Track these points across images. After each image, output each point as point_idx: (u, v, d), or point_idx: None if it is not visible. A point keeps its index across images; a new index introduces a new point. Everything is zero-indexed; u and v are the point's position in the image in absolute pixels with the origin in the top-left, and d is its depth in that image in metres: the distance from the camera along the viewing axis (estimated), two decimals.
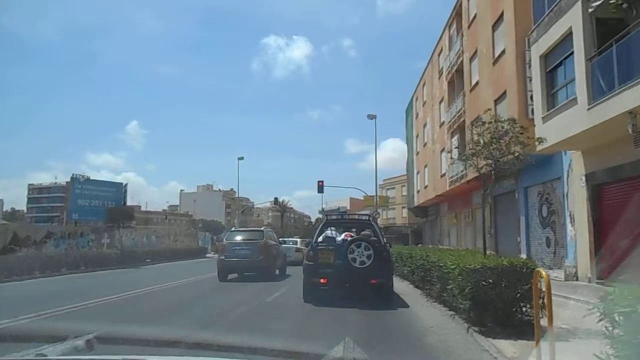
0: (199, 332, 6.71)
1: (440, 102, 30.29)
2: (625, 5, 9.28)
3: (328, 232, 12.38)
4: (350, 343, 5.91)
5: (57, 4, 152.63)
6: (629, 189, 11.90)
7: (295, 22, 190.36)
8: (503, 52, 18.36)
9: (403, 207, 58.39)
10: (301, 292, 10.93)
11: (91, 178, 38.26)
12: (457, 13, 26.55)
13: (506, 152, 7.88)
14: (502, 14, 18.52)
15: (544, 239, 17.17)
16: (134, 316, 9.16)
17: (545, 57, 13.78)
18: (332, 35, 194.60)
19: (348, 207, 76.70)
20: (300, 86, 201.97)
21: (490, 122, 8.18)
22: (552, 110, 13.21)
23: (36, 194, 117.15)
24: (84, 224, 31.22)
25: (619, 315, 3.16)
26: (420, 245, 31.50)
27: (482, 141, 7.92)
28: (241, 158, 50.87)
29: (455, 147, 23.90)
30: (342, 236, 12.20)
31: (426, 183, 35.19)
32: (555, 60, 13.28)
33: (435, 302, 9.94)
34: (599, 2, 10.76)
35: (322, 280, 10.66)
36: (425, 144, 36.04)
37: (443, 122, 29.25)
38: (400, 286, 13.66)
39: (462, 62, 24.80)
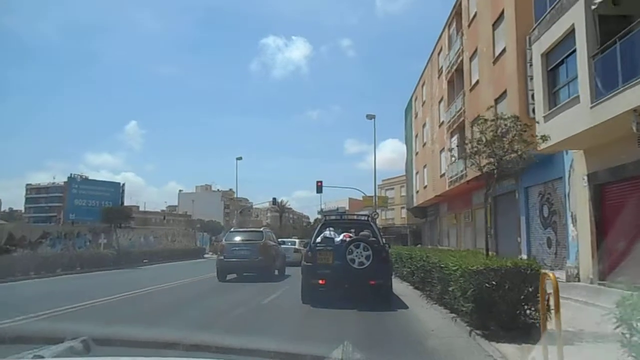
0: (196, 333, 6.63)
1: (440, 101, 30.13)
2: None
3: (327, 233, 12.27)
4: (349, 347, 5.71)
5: (57, 4, 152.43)
6: (632, 188, 11.73)
7: (294, 23, 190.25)
8: (504, 50, 18.19)
9: (402, 208, 58.21)
10: (299, 293, 10.83)
11: (90, 178, 38.15)
12: (456, 12, 26.39)
13: (509, 151, 7.68)
14: (502, 12, 18.35)
15: (544, 240, 17.00)
16: (131, 317, 9.07)
17: (546, 56, 13.60)
18: (331, 36, 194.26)
19: (347, 208, 76.50)
20: (300, 86, 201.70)
21: (493, 120, 7.99)
22: (554, 109, 13.03)
23: (34, 194, 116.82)
24: (81, 224, 30.99)
25: (637, 322, 2.95)
26: (419, 245, 31.37)
27: (484, 139, 7.72)
28: (239, 158, 50.70)
29: (456, 146, 23.73)
30: (341, 237, 12.11)
31: (425, 183, 35.02)
32: (557, 59, 13.10)
33: (435, 304, 9.75)
34: None
35: (320, 281, 10.55)
36: (424, 144, 35.87)
37: (442, 122, 29.08)
38: (400, 287, 13.50)
39: (462, 61, 24.64)
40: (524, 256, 16.51)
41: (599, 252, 12.84)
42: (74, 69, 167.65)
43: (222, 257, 17.13)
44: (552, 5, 12.83)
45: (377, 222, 27.21)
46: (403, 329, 7.83)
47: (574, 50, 11.83)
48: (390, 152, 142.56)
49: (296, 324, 8.66)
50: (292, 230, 68.30)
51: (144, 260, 28.04)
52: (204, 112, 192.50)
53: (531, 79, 15.49)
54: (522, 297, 6.49)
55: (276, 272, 18.21)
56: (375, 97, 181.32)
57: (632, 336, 3.04)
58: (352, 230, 12.87)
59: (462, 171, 23.52)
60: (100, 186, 34.42)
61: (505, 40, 18.11)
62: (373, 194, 41.93)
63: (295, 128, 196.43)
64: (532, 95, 15.35)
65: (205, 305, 10.98)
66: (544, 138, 8.09)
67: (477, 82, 21.81)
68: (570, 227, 14.68)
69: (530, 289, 6.42)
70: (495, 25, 19.31)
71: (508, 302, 6.41)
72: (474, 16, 22.35)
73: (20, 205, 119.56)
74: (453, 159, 23.37)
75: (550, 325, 5.44)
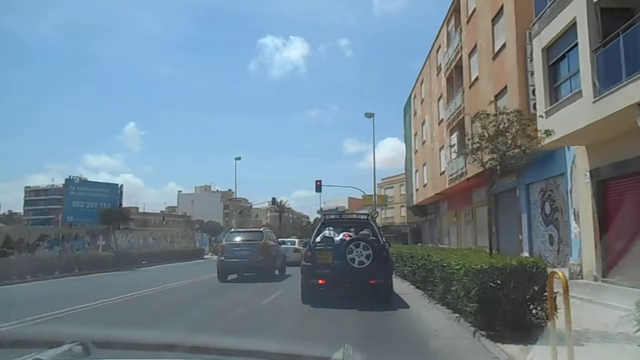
0: (196, 335, 6.59)
1: (439, 99, 29.93)
2: None
3: (326, 232, 12.24)
4: (350, 350, 5.54)
5: (56, 4, 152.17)
6: (636, 184, 11.56)
7: (292, 23, 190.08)
8: (503, 46, 18.00)
9: (402, 206, 58.03)
10: (300, 293, 10.76)
11: (88, 180, 37.95)
12: (455, 9, 26.19)
13: (512, 146, 7.49)
14: (502, 8, 18.16)
15: (546, 237, 16.82)
16: (130, 320, 9.04)
17: (547, 50, 13.41)
18: (328, 35, 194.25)
19: (346, 207, 76.34)
20: (298, 86, 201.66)
21: (495, 115, 7.80)
22: (555, 104, 12.85)
23: (33, 196, 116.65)
24: (79, 226, 30.79)
25: None
26: (419, 244, 31.20)
27: (487, 134, 7.53)
28: (238, 158, 50.60)
29: (457, 143, 23.55)
30: (341, 236, 12.05)
31: (425, 181, 34.83)
32: (558, 53, 12.91)
33: (438, 303, 9.57)
34: None
35: (320, 281, 10.48)
36: (423, 142, 35.68)
37: (442, 120, 28.89)
38: (401, 286, 13.37)
39: (460, 58, 24.44)
40: (526, 254, 16.33)
41: (602, 248, 12.66)
42: (73, 69, 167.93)
43: (222, 258, 17.19)
44: None
45: (377, 221, 27.03)
46: (405, 330, 7.68)
47: (576, 44, 11.65)
48: (390, 151, 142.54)
49: (296, 325, 8.58)
50: (292, 230, 68.13)
51: (143, 262, 27.89)
52: (202, 113, 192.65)
53: (532, 74, 15.31)
54: (528, 296, 6.31)
55: (276, 272, 18.23)
56: (374, 97, 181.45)
57: None
58: (352, 230, 12.80)
59: (462, 169, 23.35)
60: (98, 188, 34.20)
61: (504, 35, 17.92)
62: (372, 193, 41.78)
63: (294, 128, 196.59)
64: (533, 91, 15.18)
65: (205, 306, 10.92)
66: (548, 132, 7.88)
67: (477, 78, 21.61)
68: (573, 224, 14.49)
69: (535, 288, 6.24)
70: (495, 20, 19.11)
71: (513, 302, 6.22)
72: (473, 12, 22.15)
73: (19, 208, 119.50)
74: (454, 154, 23.22)
75: (556, 325, 5.27)
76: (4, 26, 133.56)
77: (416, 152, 39.02)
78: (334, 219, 14.90)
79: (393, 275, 11.85)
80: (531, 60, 15.27)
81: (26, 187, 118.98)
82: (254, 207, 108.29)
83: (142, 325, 8.01)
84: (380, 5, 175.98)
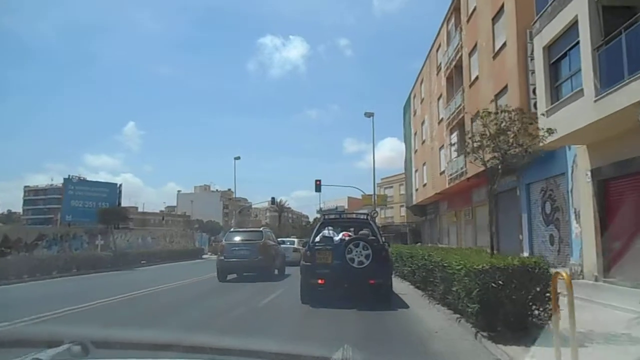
0: (195, 335, 6.55)
1: (439, 98, 29.84)
2: None
3: (325, 232, 12.17)
4: (349, 351, 5.46)
5: (55, 4, 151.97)
6: (637, 184, 11.49)
7: (292, 22, 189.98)
8: (504, 45, 17.90)
9: (401, 206, 57.95)
10: (299, 293, 10.72)
11: (87, 179, 37.82)
12: (455, 8, 26.11)
13: (514, 144, 7.39)
14: (502, 6, 18.07)
15: (547, 237, 16.73)
16: (129, 319, 8.99)
17: (548, 49, 13.34)
18: (328, 35, 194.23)
19: (346, 207, 76.25)
20: (298, 86, 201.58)
21: (497, 112, 7.70)
22: (556, 103, 12.77)
23: (32, 195, 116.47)
24: (77, 226, 30.68)
25: None
26: (419, 244, 31.09)
27: (488, 133, 7.43)
28: (238, 158, 50.38)
29: (455, 143, 23.45)
30: (340, 236, 11.99)
31: (425, 181, 34.75)
32: (560, 52, 12.83)
33: (438, 304, 9.47)
34: None
35: (319, 281, 10.42)
36: (423, 142, 35.59)
37: (442, 119, 28.81)
38: (401, 287, 13.29)
39: (461, 57, 24.36)
40: (526, 254, 16.26)
41: (603, 248, 12.60)
42: (72, 69, 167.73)
43: (222, 257, 17.20)
44: None
45: (377, 220, 26.94)
46: (405, 330, 7.60)
47: (577, 43, 11.58)
48: (389, 151, 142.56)
49: (296, 324, 8.53)
50: (291, 230, 68.05)
51: (142, 262, 27.77)
52: (202, 112, 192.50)
53: (532, 73, 15.24)
54: (530, 297, 6.21)
55: (276, 271, 18.24)
56: (373, 96, 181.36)
57: None
58: (352, 229, 12.76)
59: (462, 168, 23.27)
60: (96, 187, 34.11)
61: (505, 34, 17.83)
62: (372, 193, 41.68)
63: (293, 127, 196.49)
64: (534, 90, 15.11)
65: (204, 305, 10.88)
66: (550, 131, 7.79)
67: (477, 77, 21.53)
68: (574, 223, 14.41)
69: (537, 289, 6.15)
70: (495, 19, 19.03)
71: (515, 303, 6.12)
72: (473, 11, 22.07)
73: (18, 207, 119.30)
74: (455, 153, 23.12)
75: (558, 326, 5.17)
76: (4, 26, 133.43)
77: (416, 151, 38.93)
78: (334, 218, 14.81)
79: (393, 275, 11.80)
80: (532, 59, 15.20)
81: (25, 186, 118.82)
82: (253, 206, 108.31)
83: (141, 325, 7.96)
84: (379, 5, 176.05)
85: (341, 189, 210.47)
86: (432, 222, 38.23)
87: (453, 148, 24.01)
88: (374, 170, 44.26)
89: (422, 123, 35.65)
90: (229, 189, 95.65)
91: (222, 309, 10.06)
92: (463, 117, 23.38)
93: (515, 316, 6.14)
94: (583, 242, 13.72)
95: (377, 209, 44.37)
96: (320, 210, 62.50)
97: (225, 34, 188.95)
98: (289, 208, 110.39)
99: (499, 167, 7.71)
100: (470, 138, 7.89)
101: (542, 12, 13.45)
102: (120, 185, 35.87)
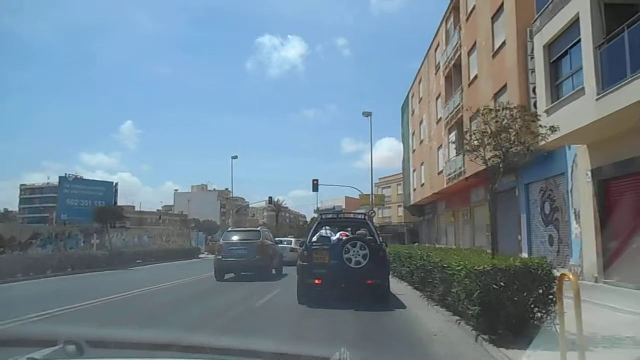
0: (192, 334, 6.49)
1: (438, 98, 29.69)
2: None
3: (323, 232, 12.09)
4: (347, 354, 5.30)
5: (56, 4, 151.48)
6: (639, 184, 11.33)
7: (290, 22, 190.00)
8: (503, 44, 17.74)
9: (399, 206, 57.85)
10: (296, 293, 10.66)
11: (84, 178, 37.51)
12: (454, 7, 25.96)
13: (516, 143, 7.22)
14: (502, 5, 17.91)
15: (546, 238, 16.58)
16: (125, 319, 8.94)
17: (549, 47, 13.17)
18: (326, 35, 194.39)
19: (344, 207, 76.20)
20: (296, 86, 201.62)
21: (498, 110, 7.53)
22: (557, 102, 12.60)
23: (29, 194, 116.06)
24: (73, 225, 30.44)
25: None
26: (417, 244, 30.97)
27: (489, 130, 7.26)
28: (235, 157, 50.18)
29: (453, 142, 23.30)
30: (338, 236, 11.86)
31: (423, 181, 34.60)
32: (561, 50, 12.66)
33: (437, 305, 9.31)
34: None
35: (316, 281, 10.37)
36: (421, 142, 35.44)
37: (440, 119, 28.66)
38: (399, 287, 13.16)
39: (460, 56, 24.21)
40: (525, 255, 16.10)
41: (604, 249, 12.44)
42: (71, 69, 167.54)
43: (220, 257, 17.24)
44: None
45: (374, 220, 26.82)
46: (403, 332, 7.44)
47: (579, 41, 11.40)
48: (387, 151, 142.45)
49: (293, 325, 8.47)
50: (289, 230, 67.93)
51: (138, 261, 27.61)
52: (200, 112, 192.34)
53: (532, 72, 15.08)
54: (532, 299, 6.04)
55: (274, 271, 18.24)
56: (371, 96, 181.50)
57: None
58: (349, 229, 12.66)
59: (460, 168, 23.13)
60: (92, 186, 33.88)
61: (505, 33, 17.67)
62: (370, 193, 41.52)
63: (291, 127, 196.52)
64: (534, 89, 14.94)
65: (201, 305, 10.83)
66: (553, 129, 7.62)
67: (476, 77, 21.37)
68: (574, 224, 14.27)
69: (540, 291, 5.98)
70: (495, 18, 18.87)
71: (517, 305, 5.94)
72: (473, 10, 21.91)
73: (15, 207, 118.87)
74: (454, 152, 22.95)
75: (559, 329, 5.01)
76: (4, 26, 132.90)
77: (414, 151, 38.79)
78: (331, 218, 14.72)
79: (390, 276, 11.72)
80: (532, 58, 15.04)
81: (22, 185, 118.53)
82: (251, 206, 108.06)
83: (137, 325, 7.89)
84: (378, 5, 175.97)
85: (339, 189, 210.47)
86: (430, 223, 38.08)
87: (453, 146, 23.84)
88: (372, 170, 44.23)
89: (421, 123, 35.50)
90: (227, 189, 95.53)
91: (219, 309, 9.99)
92: (462, 116, 23.24)
93: (517, 319, 5.97)
94: (583, 243, 13.57)
95: (375, 209, 44.21)
96: (317, 210, 62.37)
97: (223, 34, 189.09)
98: (287, 208, 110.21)
99: (501, 165, 7.55)
100: (471, 136, 7.71)
101: (542, 10, 13.28)
102: (117, 184, 35.71)
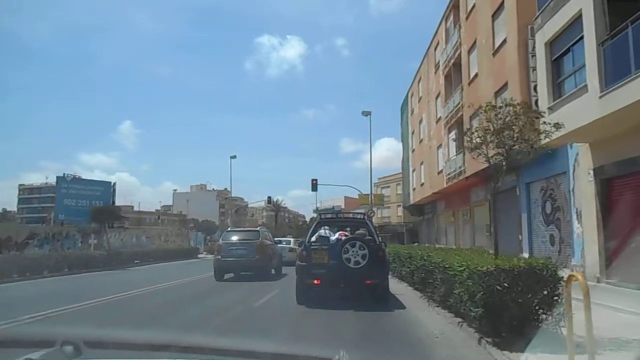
0: (190, 335, 6.41)
1: (437, 97, 29.53)
2: None
3: (322, 232, 12.04)
4: (346, 357, 5.15)
5: (56, 5, 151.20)
6: None
7: (289, 22, 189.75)
8: (504, 41, 17.57)
9: (398, 206, 57.72)
10: (295, 293, 10.62)
11: (82, 177, 37.30)
12: (453, 5, 25.80)
13: (519, 140, 7.06)
14: (502, 2, 17.73)
15: (547, 237, 16.43)
16: (121, 319, 8.85)
17: (550, 44, 13.02)
18: (325, 35, 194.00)
19: (343, 206, 76.03)
20: (295, 85, 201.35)
21: (501, 106, 7.36)
22: (559, 100, 12.45)
23: (27, 194, 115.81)
24: (71, 225, 30.24)
25: None
26: (416, 244, 30.83)
27: (492, 127, 7.10)
28: (234, 157, 50.01)
29: (454, 139, 23.13)
30: (336, 235, 11.82)
31: (422, 180, 34.44)
32: (562, 47, 12.50)
33: (438, 306, 9.15)
34: None
35: (315, 281, 10.31)
36: (421, 141, 35.28)
37: (440, 118, 28.50)
38: (398, 288, 13.04)
39: (459, 54, 24.04)
40: (526, 254, 15.93)
41: (605, 249, 12.29)
42: (70, 69, 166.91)
43: (219, 257, 17.30)
44: None
45: (373, 220, 26.68)
46: (403, 334, 7.28)
47: (581, 38, 11.24)
48: (386, 151, 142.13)
49: (291, 325, 8.39)
50: (288, 229, 67.79)
51: (136, 261, 27.45)
52: (199, 112, 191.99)
53: (534, 70, 14.93)
54: (536, 300, 5.87)
55: (273, 271, 18.25)
56: (371, 97, 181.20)
57: None
58: (348, 229, 12.63)
59: (460, 167, 22.98)
60: (90, 185, 33.66)
61: (505, 30, 17.50)
62: (369, 192, 41.35)
63: (291, 127, 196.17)
64: (535, 87, 14.78)
65: (199, 305, 10.78)
66: (557, 126, 7.46)
67: (476, 75, 21.19)
68: (575, 223, 14.11)
69: (545, 292, 5.81)
70: (495, 15, 18.70)
71: (521, 306, 5.77)
72: (472, 8, 21.74)
73: (13, 206, 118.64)
74: (454, 152, 22.79)
75: (565, 332, 4.86)
76: (4, 26, 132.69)
77: (413, 151, 38.63)
78: (330, 218, 14.66)
79: (390, 276, 11.63)
80: (533, 56, 14.89)
81: (20, 185, 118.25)
82: (249, 206, 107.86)
83: (135, 325, 7.85)
84: (377, 5, 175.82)
85: (338, 189, 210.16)
86: (429, 222, 37.94)
87: (453, 145, 23.68)
88: (371, 169, 43.91)
89: (420, 122, 35.34)
90: (225, 188, 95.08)
91: (218, 309, 9.95)
92: (462, 115, 23.09)
93: (521, 321, 5.79)
94: (585, 243, 13.42)
95: (374, 209, 44.08)
96: (316, 210, 62.25)
97: (222, 34, 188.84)
98: (286, 207, 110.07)
99: (504, 163, 7.38)
100: (473, 133, 7.54)
101: (544, 7, 13.12)
102: (114, 183, 35.49)
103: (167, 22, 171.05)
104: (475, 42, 21.45)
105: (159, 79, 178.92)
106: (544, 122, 7.57)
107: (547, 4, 12.92)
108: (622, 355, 5.30)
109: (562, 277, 5.74)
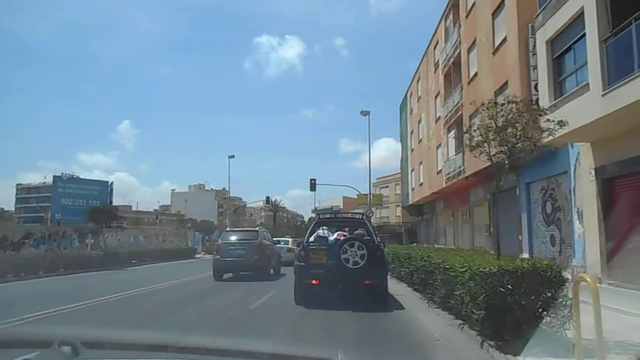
0: (188, 335, 6.39)
1: (436, 96, 29.40)
2: None
3: (320, 232, 11.98)
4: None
5: (56, 5, 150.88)
6: None
7: (288, 22, 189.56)
8: (504, 40, 17.43)
9: (397, 206, 57.59)
10: (293, 293, 10.58)
11: (79, 177, 37.13)
12: (453, 4, 25.66)
13: (522, 138, 6.90)
14: (502, 0, 17.59)
15: (548, 237, 16.29)
16: (119, 320, 8.80)
17: (551, 43, 12.88)
18: (325, 35, 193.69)
19: (341, 206, 75.88)
20: (294, 85, 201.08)
21: (503, 104, 7.21)
22: (560, 99, 12.31)
23: (24, 194, 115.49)
24: (67, 224, 30.03)
25: None
26: (415, 244, 30.68)
27: (494, 125, 6.94)
28: (232, 156, 49.68)
29: (455, 137, 23.00)
30: (335, 236, 11.80)
31: (421, 180, 34.31)
32: (564, 45, 12.36)
33: (438, 308, 9.00)
34: None
35: (313, 282, 10.26)
36: (420, 141, 35.15)
37: (439, 117, 28.36)
38: (397, 288, 12.95)
39: (459, 53, 23.89)
40: (526, 255, 15.81)
41: (607, 249, 12.15)
42: (69, 69, 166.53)
43: (218, 257, 17.32)
44: None
45: (372, 220, 26.53)
46: (403, 336, 7.14)
47: (583, 35, 11.10)
48: (385, 151, 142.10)
49: (289, 326, 8.33)
50: (286, 229, 67.64)
51: (133, 261, 27.26)
52: (197, 112, 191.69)
53: (534, 68, 14.79)
54: (540, 302, 5.71)
55: (272, 271, 18.24)
56: (370, 97, 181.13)
57: None
58: (346, 229, 12.57)
59: (459, 167, 22.85)
60: (87, 185, 33.49)
61: (506, 29, 17.36)
62: (368, 192, 41.20)
63: (290, 127, 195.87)
64: (536, 86, 14.63)
65: (198, 305, 10.75)
66: (562, 123, 7.31)
67: (476, 74, 21.06)
68: (576, 223, 13.97)
69: (549, 294, 5.65)
70: (495, 14, 18.56)
71: (525, 309, 5.61)
72: (472, 6, 21.60)
73: (11, 206, 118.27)
74: (453, 151, 22.64)
75: (571, 334, 4.72)
76: (4, 26, 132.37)
77: (412, 150, 38.50)
78: (328, 218, 14.62)
79: (388, 276, 11.53)
80: (534, 54, 14.76)
81: (17, 184, 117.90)
82: (248, 206, 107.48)
83: (132, 326, 7.82)
84: (376, 5, 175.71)
85: (336, 189, 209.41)
86: (428, 222, 37.80)
87: (452, 145, 23.53)
88: (370, 169, 43.71)
89: (419, 121, 35.20)
90: (224, 188, 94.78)
91: (216, 309, 9.93)
92: (461, 114, 22.96)
93: (525, 323, 5.63)
94: (586, 243, 13.28)
95: (373, 209, 43.94)
96: (315, 210, 62.09)
97: (222, 34, 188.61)
98: (284, 207, 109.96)
99: (506, 162, 7.23)
100: (475, 131, 7.38)
101: (545, 5, 12.99)
102: (112, 183, 35.35)
103: (167, 22, 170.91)
104: (475, 40, 21.32)
105: (159, 79, 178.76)
106: (547, 120, 7.40)
107: (548, 1, 12.79)
108: (627, 358, 5.15)
109: (567, 278, 5.59)
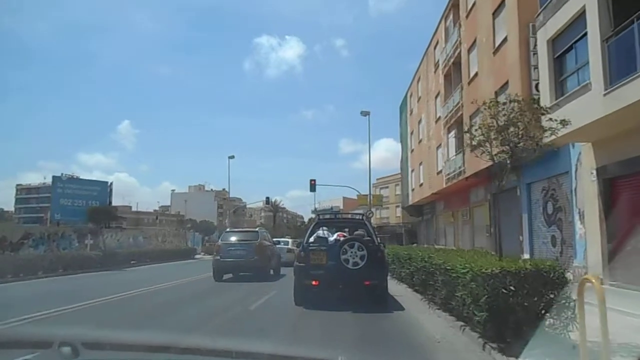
0: (188, 336, 6.37)
1: (436, 96, 29.34)
2: None
3: (320, 232, 11.98)
4: None
5: (54, 4, 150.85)
6: None
7: (288, 22, 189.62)
8: (505, 40, 17.37)
9: (397, 207, 57.50)
10: (293, 294, 10.56)
11: (79, 177, 37.07)
12: (453, 4, 25.60)
13: (524, 137, 6.83)
14: (503, 0, 17.55)
15: (549, 238, 16.21)
16: (119, 321, 8.80)
17: (553, 42, 12.81)
18: (324, 35, 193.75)
19: (341, 207, 75.76)
20: (294, 86, 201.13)
21: (505, 102, 7.14)
22: (561, 98, 12.24)
23: (24, 194, 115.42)
24: (67, 225, 29.98)
25: None
26: (415, 245, 30.61)
27: (496, 124, 6.88)
28: (232, 157, 49.61)
29: (456, 137, 22.92)
30: (335, 236, 11.78)
31: (421, 181, 34.25)
32: (565, 44, 12.30)
33: (439, 309, 8.93)
34: None
35: (313, 282, 10.24)
36: (420, 141, 35.10)
37: (439, 118, 28.30)
38: (397, 289, 12.91)
39: (459, 53, 23.83)
40: (527, 255, 15.76)
41: (609, 250, 12.07)
42: (69, 69, 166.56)
43: (218, 257, 17.35)
44: None
45: (372, 221, 26.45)
46: (403, 337, 7.08)
47: (585, 34, 11.04)
48: (385, 152, 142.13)
49: (289, 326, 8.33)
50: (286, 230, 67.59)
51: (132, 262, 27.21)
52: (198, 112, 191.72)
53: (535, 68, 14.72)
54: (543, 304, 5.63)
55: (271, 271, 18.25)
56: (369, 97, 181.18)
57: None
58: (346, 230, 12.54)
59: (460, 167, 22.78)
60: (86, 185, 33.47)
61: (506, 28, 17.30)
62: (368, 193, 41.13)
63: (290, 128, 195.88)
64: (536, 86, 14.57)
65: (198, 306, 10.74)
66: (564, 122, 7.24)
67: (476, 74, 20.99)
68: (578, 224, 13.90)
69: (552, 295, 5.58)
70: (496, 13, 18.50)
71: (528, 310, 5.53)
72: (473, 6, 21.54)
73: (11, 206, 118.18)
74: (453, 152, 22.57)
75: (575, 335, 4.64)
76: (4, 26, 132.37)
77: (412, 151, 38.43)
78: (328, 219, 14.60)
79: (388, 277, 11.51)
80: (534, 54, 14.69)
81: (17, 184, 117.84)
82: (248, 206, 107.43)
83: (132, 327, 7.83)
84: (376, 5, 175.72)
85: (336, 189, 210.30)
86: (428, 223, 37.73)
87: (453, 145, 23.45)
88: (370, 169, 43.62)
89: (419, 122, 35.14)
90: (224, 189, 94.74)
91: (217, 309, 9.96)
92: (462, 115, 22.89)
93: (527, 325, 5.55)
94: (587, 244, 13.21)
95: (373, 209, 43.86)
96: (315, 211, 61.99)
97: (222, 34, 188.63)
98: (284, 208, 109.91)
99: (508, 162, 7.16)
100: (476, 130, 7.31)
101: (546, 4, 12.92)
102: (111, 183, 35.36)
103: (167, 22, 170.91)
104: (475, 40, 21.26)
105: (159, 79, 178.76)
106: (550, 119, 7.33)
107: (549, 1, 12.72)
108: None
109: (570, 279, 5.52)
